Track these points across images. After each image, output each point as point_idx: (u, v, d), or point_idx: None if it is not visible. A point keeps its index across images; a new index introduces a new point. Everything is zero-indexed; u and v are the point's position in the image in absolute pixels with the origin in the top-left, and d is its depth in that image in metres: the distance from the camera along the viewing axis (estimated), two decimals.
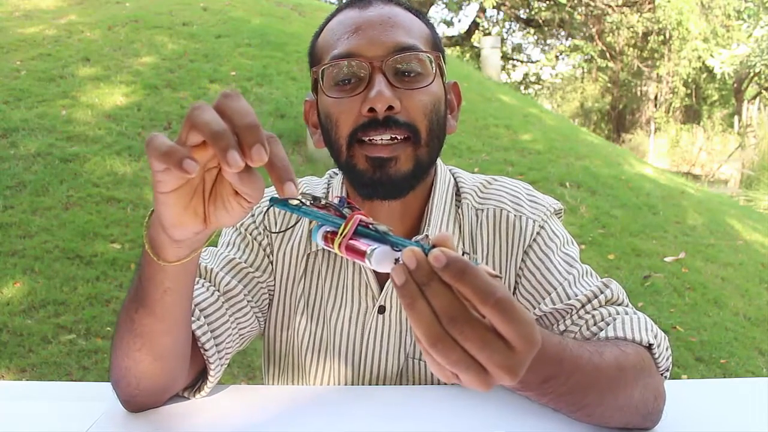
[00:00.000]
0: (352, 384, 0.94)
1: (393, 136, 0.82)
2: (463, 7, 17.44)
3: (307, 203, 0.56)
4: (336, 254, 0.91)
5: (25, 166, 4.26)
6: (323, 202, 0.56)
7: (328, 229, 0.54)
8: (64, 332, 2.93)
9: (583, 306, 0.83)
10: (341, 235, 0.52)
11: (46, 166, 4.28)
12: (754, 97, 16.70)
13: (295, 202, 0.55)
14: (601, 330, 0.80)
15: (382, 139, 0.82)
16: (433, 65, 0.86)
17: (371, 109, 0.81)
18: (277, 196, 0.54)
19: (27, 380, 2.56)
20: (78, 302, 3.14)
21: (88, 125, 4.84)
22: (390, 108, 0.81)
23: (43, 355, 2.76)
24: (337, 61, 0.84)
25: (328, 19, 0.92)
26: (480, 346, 0.44)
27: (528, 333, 0.45)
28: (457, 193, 0.96)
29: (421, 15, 0.91)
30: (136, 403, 0.79)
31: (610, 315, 0.81)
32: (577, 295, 0.83)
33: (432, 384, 0.93)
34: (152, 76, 5.67)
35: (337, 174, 1.00)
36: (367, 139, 0.83)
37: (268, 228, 0.95)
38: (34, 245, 3.52)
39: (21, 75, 5.46)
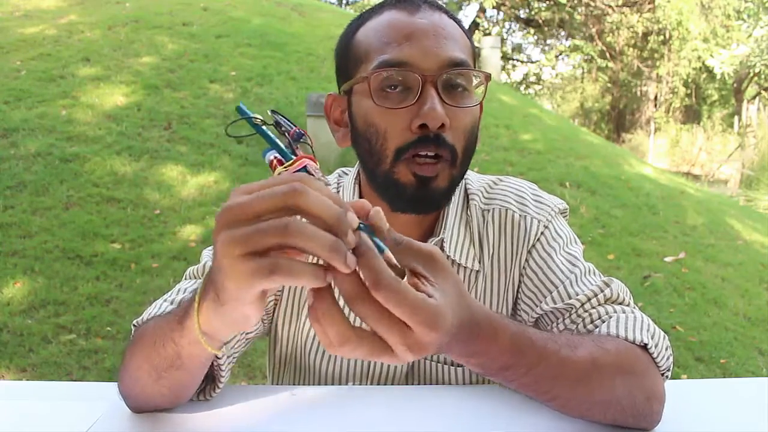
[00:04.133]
0: (360, 383, 0.94)
1: (437, 153, 0.82)
2: (463, 7, 17.44)
3: (269, 123, 0.57)
4: None
5: (25, 166, 4.26)
6: (283, 129, 0.57)
7: (277, 156, 0.56)
8: (64, 332, 2.93)
9: (582, 305, 0.83)
10: (284, 167, 0.55)
11: (46, 166, 4.28)
12: (754, 97, 16.69)
13: (258, 120, 0.56)
14: (596, 328, 0.79)
15: (427, 155, 0.82)
16: (480, 84, 0.86)
17: (423, 125, 0.80)
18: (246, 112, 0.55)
19: (27, 380, 2.56)
20: (78, 302, 3.14)
21: (88, 125, 4.84)
22: (441, 126, 0.80)
23: (43, 355, 2.76)
24: (388, 69, 0.81)
25: (367, 16, 0.89)
26: (375, 323, 0.50)
27: (424, 319, 0.50)
28: (465, 194, 0.96)
29: (462, 25, 0.90)
30: (143, 411, 0.80)
31: (607, 313, 0.81)
32: (577, 294, 0.84)
33: (440, 384, 0.93)
34: (152, 76, 5.67)
35: (347, 174, 0.99)
36: (413, 155, 0.82)
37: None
38: (34, 245, 3.52)
39: (21, 75, 5.46)
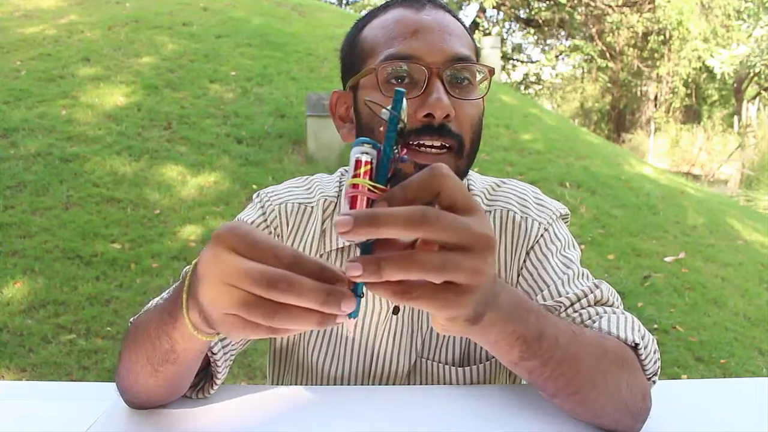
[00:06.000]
0: (362, 383, 0.94)
1: (443, 143, 0.82)
2: (463, 7, 17.45)
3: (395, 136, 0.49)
4: (348, 256, 0.92)
5: (25, 166, 4.26)
6: (395, 151, 0.51)
7: (370, 165, 0.51)
8: (64, 332, 2.93)
9: (572, 304, 0.83)
10: (371, 185, 0.50)
11: (46, 166, 4.28)
12: (754, 97, 16.71)
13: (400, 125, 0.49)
14: (588, 327, 0.80)
15: (432, 146, 0.82)
16: (484, 79, 0.87)
17: (428, 115, 0.81)
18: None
19: (27, 380, 2.56)
20: (78, 302, 3.14)
21: (88, 125, 4.84)
22: (446, 116, 0.81)
23: (43, 355, 2.76)
24: (396, 61, 0.83)
25: (372, 15, 0.91)
26: (434, 266, 0.48)
27: (471, 229, 0.48)
28: None
29: (465, 25, 0.92)
30: (140, 407, 0.81)
31: (597, 314, 0.81)
32: (567, 293, 0.84)
33: (441, 384, 0.93)
34: (152, 76, 5.67)
35: (348, 172, 0.99)
36: (416, 143, 0.82)
37: (280, 227, 0.94)
38: (34, 245, 3.52)
39: (21, 75, 5.47)
